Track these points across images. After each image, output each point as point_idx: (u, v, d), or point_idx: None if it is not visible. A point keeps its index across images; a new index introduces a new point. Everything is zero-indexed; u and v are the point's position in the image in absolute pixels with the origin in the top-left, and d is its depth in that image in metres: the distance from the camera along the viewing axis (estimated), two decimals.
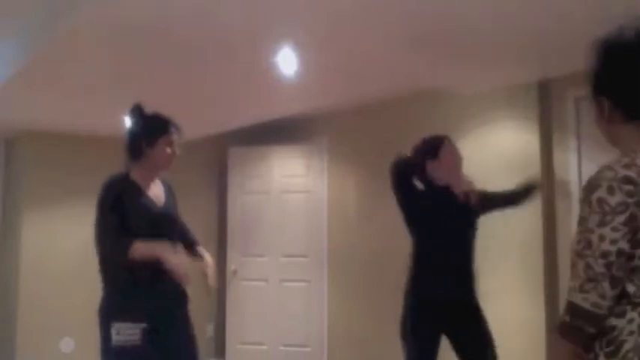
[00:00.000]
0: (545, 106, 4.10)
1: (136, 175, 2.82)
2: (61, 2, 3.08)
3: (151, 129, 2.82)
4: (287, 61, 3.68)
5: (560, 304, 3.93)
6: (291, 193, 5.76)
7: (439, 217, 3.12)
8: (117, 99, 4.64)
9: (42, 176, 5.76)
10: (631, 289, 1.35)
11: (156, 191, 2.86)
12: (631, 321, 1.34)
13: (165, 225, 2.82)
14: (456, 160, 3.17)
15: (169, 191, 2.97)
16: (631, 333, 1.33)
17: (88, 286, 5.93)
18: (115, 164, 6.33)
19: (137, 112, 2.87)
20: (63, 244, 5.82)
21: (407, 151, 3.24)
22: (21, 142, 5.95)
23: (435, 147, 3.17)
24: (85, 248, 5.88)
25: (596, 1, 2.64)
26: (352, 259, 5.25)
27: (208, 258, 3.03)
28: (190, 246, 3.07)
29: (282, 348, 5.63)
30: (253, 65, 3.78)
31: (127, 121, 2.91)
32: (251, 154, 5.98)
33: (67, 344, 5.71)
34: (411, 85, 4.41)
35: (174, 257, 2.64)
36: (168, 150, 2.83)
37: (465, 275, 3.12)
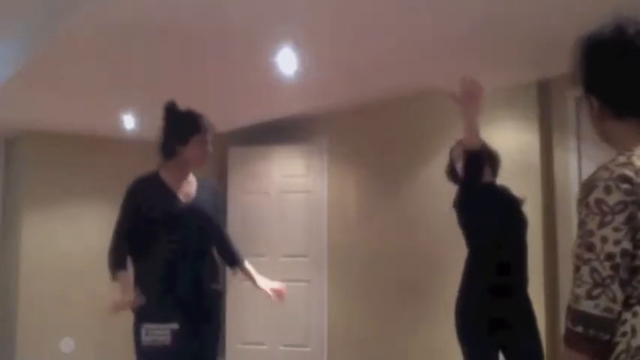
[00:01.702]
0: (545, 106, 4.10)
1: (166, 174, 2.77)
2: (61, 2, 3.08)
3: (184, 127, 2.75)
4: (287, 61, 3.68)
5: (561, 305, 3.93)
6: (291, 193, 5.76)
7: (491, 214, 3.01)
8: (117, 99, 4.64)
9: (42, 176, 5.76)
10: (627, 290, 1.33)
11: (187, 190, 2.79)
12: (624, 322, 1.32)
13: (191, 222, 2.75)
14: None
15: (207, 190, 2.88)
16: (624, 334, 1.31)
17: (88, 286, 5.97)
18: (115, 164, 6.35)
19: (170, 109, 2.79)
20: (63, 244, 5.82)
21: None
22: (21, 142, 5.95)
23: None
24: (85, 248, 5.92)
25: (596, 0, 2.64)
26: (352, 259, 5.24)
27: (259, 280, 3.04)
28: (235, 262, 3.05)
29: (282, 348, 5.63)
30: (253, 65, 3.78)
31: (160, 119, 2.83)
32: (251, 154, 5.97)
33: (67, 344, 5.71)
34: (411, 85, 4.41)
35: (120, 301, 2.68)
36: (202, 148, 2.77)
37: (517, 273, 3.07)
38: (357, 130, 5.29)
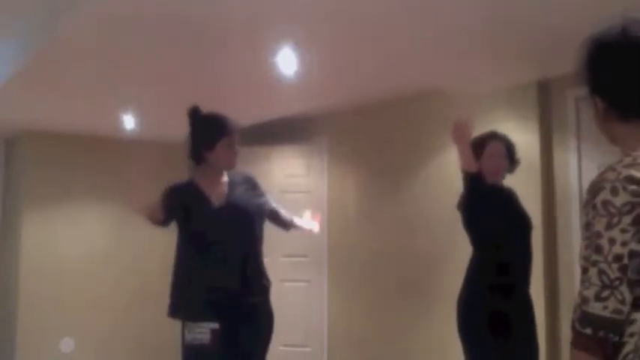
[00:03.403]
0: (545, 106, 4.10)
1: (199, 180, 2.79)
2: (61, 2, 3.08)
3: (209, 132, 2.76)
4: (287, 61, 3.68)
5: (561, 307, 3.93)
6: (291, 193, 5.75)
7: (496, 216, 3.05)
8: (117, 99, 4.64)
9: (42, 176, 5.76)
10: (637, 291, 1.33)
11: (219, 191, 2.80)
12: (633, 322, 1.31)
13: (228, 222, 2.76)
14: (497, 156, 3.11)
15: (239, 183, 2.87)
16: (632, 335, 1.31)
17: (88, 286, 5.98)
18: (115, 164, 6.33)
19: (194, 115, 2.79)
20: (63, 244, 5.82)
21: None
22: (21, 142, 5.95)
23: (477, 147, 3.10)
24: (85, 248, 5.93)
25: (595, 0, 2.64)
26: (352, 259, 5.24)
27: (306, 223, 3.31)
28: (287, 224, 3.24)
29: (281, 348, 5.62)
30: (253, 65, 3.78)
31: (187, 126, 2.84)
32: (251, 154, 5.97)
33: (67, 344, 5.71)
34: (411, 85, 4.41)
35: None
36: (229, 150, 2.79)
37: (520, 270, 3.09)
38: (357, 130, 5.29)
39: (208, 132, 2.76)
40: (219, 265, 2.72)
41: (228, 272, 2.73)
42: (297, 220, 3.28)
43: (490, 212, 3.04)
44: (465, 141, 2.95)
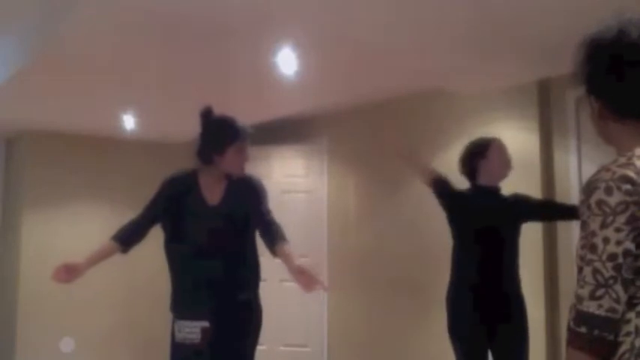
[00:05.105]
0: (545, 106, 4.10)
1: (202, 177, 2.77)
2: (61, 2, 3.09)
3: (220, 137, 2.72)
4: (287, 61, 3.68)
5: (561, 306, 3.93)
6: (291, 193, 5.76)
7: (483, 217, 3.12)
8: (117, 99, 4.64)
9: (42, 176, 5.76)
10: (631, 290, 1.34)
11: (217, 191, 2.77)
12: (628, 322, 1.32)
13: (215, 225, 2.74)
14: (505, 160, 3.17)
15: (238, 189, 2.79)
16: (628, 334, 1.32)
17: (88, 286, 5.97)
18: (115, 164, 6.32)
19: (207, 116, 2.77)
20: (63, 244, 5.81)
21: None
22: (21, 142, 5.95)
23: (483, 147, 3.16)
24: (85, 248, 5.92)
25: (595, 0, 2.65)
26: (352, 259, 5.25)
27: (293, 263, 2.57)
28: (274, 250, 2.70)
29: (282, 348, 5.63)
30: (253, 65, 3.78)
31: (199, 126, 2.79)
32: (251, 154, 5.97)
33: (67, 344, 5.71)
34: (411, 85, 4.41)
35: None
36: (239, 156, 2.76)
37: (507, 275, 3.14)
38: (357, 130, 5.29)
39: (220, 136, 2.73)
40: (205, 263, 2.71)
41: (214, 271, 2.71)
42: (286, 255, 2.63)
43: (466, 211, 3.14)
44: (410, 160, 3.10)
